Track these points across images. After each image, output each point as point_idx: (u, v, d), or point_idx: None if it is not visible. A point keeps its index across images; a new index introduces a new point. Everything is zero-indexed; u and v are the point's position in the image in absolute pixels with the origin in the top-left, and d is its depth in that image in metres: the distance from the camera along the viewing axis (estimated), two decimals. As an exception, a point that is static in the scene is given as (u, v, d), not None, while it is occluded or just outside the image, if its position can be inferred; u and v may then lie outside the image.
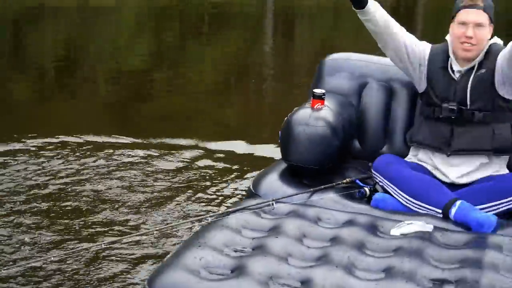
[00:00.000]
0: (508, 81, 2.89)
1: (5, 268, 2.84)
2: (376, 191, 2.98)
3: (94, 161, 4.69)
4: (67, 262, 3.09)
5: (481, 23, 2.87)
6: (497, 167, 3.00)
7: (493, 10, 2.92)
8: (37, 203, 3.88)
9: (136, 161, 4.68)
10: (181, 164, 4.62)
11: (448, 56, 3.01)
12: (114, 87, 7.28)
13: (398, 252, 2.39)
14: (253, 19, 12.91)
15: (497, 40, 3.02)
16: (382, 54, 3.37)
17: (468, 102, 2.93)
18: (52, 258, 2.79)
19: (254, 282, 2.12)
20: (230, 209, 2.76)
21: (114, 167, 4.60)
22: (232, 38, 10.70)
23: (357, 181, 3.02)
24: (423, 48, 3.08)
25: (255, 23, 12.50)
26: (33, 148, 4.91)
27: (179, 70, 8.06)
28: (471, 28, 2.86)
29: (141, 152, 4.87)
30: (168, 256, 2.39)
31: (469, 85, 2.93)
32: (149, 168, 4.50)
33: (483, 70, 2.91)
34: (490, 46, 2.96)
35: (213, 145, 5.16)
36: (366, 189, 2.96)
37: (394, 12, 13.77)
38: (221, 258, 2.28)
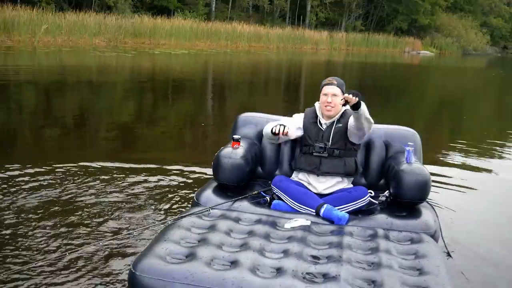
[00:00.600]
0: (352, 135, 3.40)
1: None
2: (274, 199, 3.32)
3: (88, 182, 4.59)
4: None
5: (336, 94, 3.42)
6: (346, 184, 3.46)
7: (344, 86, 3.49)
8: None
9: (118, 183, 4.61)
10: (151, 184, 4.63)
11: (317, 115, 3.51)
12: (110, 133, 7.27)
13: (290, 239, 2.68)
14: (198, 88, 13.35)
15: (349, 107, 3.47)
16: (277, 113, 3.89)
17: (330, 143, 3.41)
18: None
19: (202, 263, 2.32)
20: (182, 214, 2.94)
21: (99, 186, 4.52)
22: (187, 101, 10.98)
23: (262, 192, 3.38)
24: (300, 117, 3.58)
25: (200, 91, 12.92)
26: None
27: (154, 122, 8.22)
28: (330, 97, 3.42)
29: (122, 177, 4.82)
30: (145, 247, 2.52)
31: (331, 133, 3.41)
32: (126, 190, 4.45)
33: (340, 125, 3.43)
34: (345, 110, 3.48)
35: (170, 168, 5.21)
36: (268, 198, 3.32)
37: (287, 87, 14.31)
38: (179, 248, 2.47)
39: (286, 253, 2.52)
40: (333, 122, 3.47)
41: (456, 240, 3.71)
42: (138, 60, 20.01)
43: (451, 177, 5.69)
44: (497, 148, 7.72)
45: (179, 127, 8.03)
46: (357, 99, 3.03)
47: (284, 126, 3.30)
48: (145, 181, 4.76)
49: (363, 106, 3.15)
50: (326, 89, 3.45)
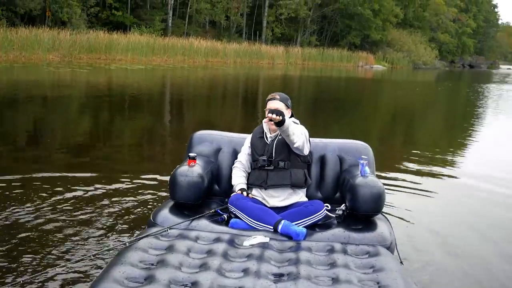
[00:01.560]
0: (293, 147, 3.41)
1: None
2: (231, 217, 3.27)
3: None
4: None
5: (278, 108, 3.39)
6: (299, 196, 3.47)
7: (288, 100, 3.55)
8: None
9: (71, 203, 4.45)
10: (106, 204, 4.47)
11: (263, 131, 3.54)
12: (62, 150, 7.05)
13: (249, 257, 2.65)
14: (155, 104, 13.27)
15: (295, 120, 3.58)
16: (232, 131, 3.90)
17: (274, 156, 3.43)
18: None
19: (161, 286, 2.25)
20: (140, 236, 2.85)
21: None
22: (143, 116, 10.86)
23: (218, 210, 3.31)
24: (249, 138, 3.64)
25: (157, 106, 12.83)
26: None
27: (109, 139, 8.09)
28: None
29: (75, 196, 4.65)
30: (102, 271, 2.43)
31: (274, 146, 3.44)
32: (79, 210, 4.28)
33: (282, 137, 3.40)
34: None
35: (125, 186, 5.09)
36: (225, 216, 3.26)
37: (244, 101, 14.30)
38: (137, 271, 2.39)
39: (246, 272, 2.48)
40: (277, 134, 3.49)
41: (408, 248, 3.77)
42: (94, 76, 19.69)
43: (404, 185, 5.83)
44: (447, 156, 7.96)
45: (134, 144, 7.84)
46: (280, 117, 3.08)
47: (244, 190, 3.44)
48: (100, 200, 4.60)
49: (288, 123, 3.19)
50: (269, 104, 3.49)
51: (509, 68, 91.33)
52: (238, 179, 3.56)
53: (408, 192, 5.61)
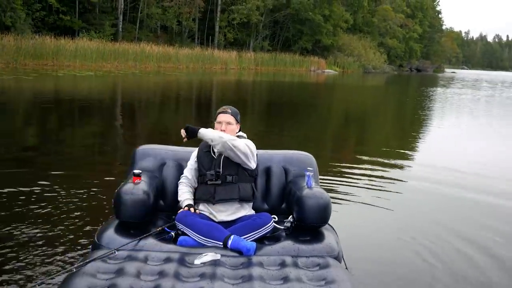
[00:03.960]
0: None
1: None
2: (179, 234, 3.20)
3: None
4: None
5: (230, 122, 3.48)
6: (247, 210, 3.46)
7: (238, 115, 3.57)
8: None
9: (8, 223, 4.20)
10: (47, 226, 4.24)
11: (210, 145, 3.47)
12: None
13: (202, 276, 2.61)
14: (106, 111, 12.97)
15: (242, 134, 3.60)
16: (176, 144, 3.84)
17: (221, 170, 3.40)
18: None
19: None
20: (86, 260, 2.74)
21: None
22: (91, 125, 10.58)
23: (166, 228, 3.23)
24: (195, 152, 3.61)
25: (107, 114, 12.57)
26: None
27: (52, 150, 7.78)
28: (224, 125, 3.47)
29: (11, 215, 4.44)
30: None
31: (221, 160, 3.41)
32: (19, 233, 4.04)
33: None
34: (238, 136, 3.53)
35: (67, 203, 4.90)
36: (173, 233, 3.18)
37: (197, 107, 14.19)
38: None
39: (199, 292, 2.44)
40: None
41: (354, 257, 3.81)
42: (40, 83, 19.08)
43: (349, 193, 5.91)
44: (397, 161, 8.13)
45: (79, 157, 7.49)
46: (184, 133, 3.33)
47: (192, 207, 3.39)
48: (40, 221, 4.36)
49: (203, 132, 3.38)
50: (220, 117, 3.51)
51: (453, 72, 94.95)
52: (185, 195, 3.50)
53: (353, 201, 5.67)
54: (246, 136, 3.59)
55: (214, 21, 45.69)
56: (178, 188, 3.57)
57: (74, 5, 35.49)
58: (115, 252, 2.83)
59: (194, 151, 3.64)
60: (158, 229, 3.18)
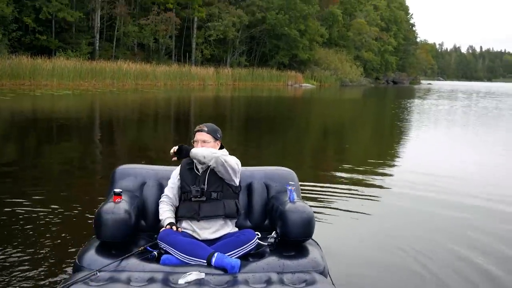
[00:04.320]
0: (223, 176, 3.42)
1: None
2: (162, 253, 3.15)
3: None
4: None
5: (205, 140, 3.44)
6: (230, 227, 3.43)
7: (217, 132, 3.53)
8: None
9: None
10: (23, 247, 4.15)
11: (193, 161, 3.45)
12: None
13: (187, 296, 2.57)
14: (84, 131, 12.85)
15: (225, 151, 3.56)
16: (156, 164, 3.81)
17: (206, 187, 3.38)
18: None
19: None
20: (67, 282, 2.69)
21: None
22: (69, 145, 10.46)
23: (148, 248, 3.17)
24: (177, 170, 3.57)
25: (85, 133, 12.43)
26: None
27: (29, 171, 7.62)
28: (200, 143, 3.45)
29: None
30: None
31: (206, 176, 3.39)
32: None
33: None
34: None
35: (45, 222, 4.84)
36: (155, 252, 3.13)
37: (176, 124, 14.13)
38: None
39: (186, 313, 2.41)
40: (208, 165, 3.42)
41: (339, 271, 3.78)
42: (17, 103, 18.84)
43: (330, 206, 5.93)
44: (378, 172, 8.18)
45: (57, 177, 7.38)
46: (174, 150, 3.34)
47: (173, 225, 3.35)
48: (20, 242, 4.27)
49: (195, 151, 3.35)
50: (196, 136, 3.49)
51: (429, 83, 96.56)
52: (166, 213, 3.45)
53: (334, 213, 5.67)
54: (227, 153, 3.57)
55: (191, 38, 45.81)
56: (159, 207, 3.52)
57: (50, 25, 35.29)
58: (97, 273, 2.77)
59: (175, 170, 3.60)
60: (140, 249, 3.12)
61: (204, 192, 3.36)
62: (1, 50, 28.53)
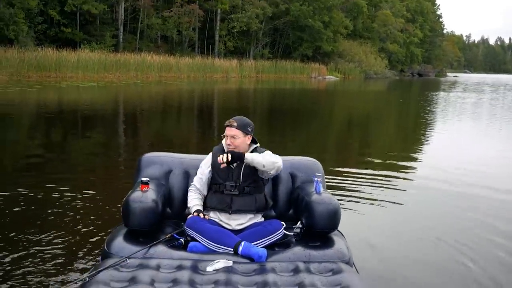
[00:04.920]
0: (262, 175, 3.43)
1: None
2: (188, 240, 3.20)
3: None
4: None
5: (234, 135, 3.42)
6: (258, 218, 3.47)
7: (247, 126, 3.48)
8: None
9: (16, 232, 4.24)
10: (55, 233, 4.25)
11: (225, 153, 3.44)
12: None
13: (217, 283, 2.62)
14: (110, 122, 13.05)
15: (257, 146, 3.55)
16: (187, 149, 3.81)
17: (241, 181, 3.40)
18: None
19: None
20: (98, 269, 2.73)
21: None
22: (96, 135, 10.70)
23: (175, 235, 3.22)
24: (208, 160, 3.54)
25: (111, 124, 12.62)
26: None
27: (59, 160, 7.84)
28: (229, 139, 3.42)
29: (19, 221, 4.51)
30: None
31: (242, 172, 3.41)
32: (27, 242, 4.05)
33: None
34: (255, 148, 3.50)
35: (75, 210, 4.97)
36: (182, 240, 3.18)
37: (200, 116, 14.27)
38: None
39: (216, 298, 2.44)
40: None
41: (364, 262, 3.79)
42: (44, 94, 19.18)
43: (354, 197, 5.93)
44: (401, 164, 8.14)
45: (86, 165, 7.58)
46: (225, 162, 3.24)
47: (201, 212, 3.36)
48: (49, 229, 4.38)
49: (250, 158, 3.31)
50: (226, 131, 3.46)
51: (456, 76, 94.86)
52: (194, 201, 3.48)
53: (358, 204, 5.68)
54: (258, 144, 3.56)
55: (214, 30, 45.87)
56: (188, 195, 3.55)
57: (75, 17, 35.72)
58: (126, 260, 2.83)
59: (204, 160, 3.60)
60: (167, 236, 3.17)
61: (237, 186, 3.40)
62: (27, 42, 29.02)
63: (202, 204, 3.50)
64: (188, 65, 37.09)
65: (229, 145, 3.42)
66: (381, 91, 36.34)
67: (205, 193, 3.54)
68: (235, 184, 3.40)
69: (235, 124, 3.45)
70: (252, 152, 3.49)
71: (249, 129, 3.49)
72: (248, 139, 3.49)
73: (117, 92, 22.67)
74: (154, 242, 3.07)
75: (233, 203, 3.39)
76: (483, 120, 17.18)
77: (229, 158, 3.27)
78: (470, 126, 15.24)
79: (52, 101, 17.21)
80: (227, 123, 3.48)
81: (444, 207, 5.77)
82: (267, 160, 3.36)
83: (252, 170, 3.42)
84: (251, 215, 3.43)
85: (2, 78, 23.80)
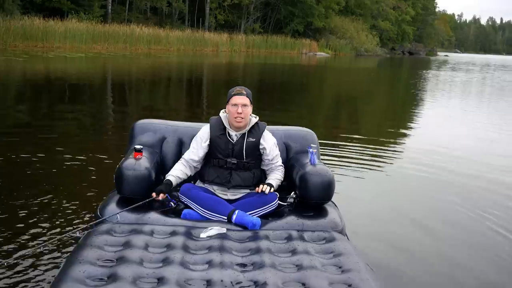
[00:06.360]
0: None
1: None
2: (178, 204, 3.22)
3: None
4: None
5: (245, 104, 3.34)
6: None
7: (251, 95, 3.42)
8: None
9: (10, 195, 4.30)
10: (46, 198, 4.31)
11: (224, 127, 3.41)
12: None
13: (211, 249, 2.62)
14: (99, 92, 12.95)
15: (255, 117, 3.50)
16: (179, 116, 3.77)
17: (244, 157, 3.38)
18: None
19: (127, 283, 2.18)
20: (91, 229, 2.76)
21: None
22: (85, 105, 10.56)
23: (168, 196, 3.24)
24: (204, 133, 3.45)
25: (100, 94, 12.53)
26: None
27: (49, 128, 7.72)
28: (240, 107, 3.32)
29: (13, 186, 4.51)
30: (59, 270, 2.30)
31: (244, 147, 3.37)
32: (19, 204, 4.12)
33: (252, 139, 3.41)
34: (256, 123, 3.47)
35: (66, 176, 5.02)
36: (172, 203, 3.21)
37: (189, 89, 14.20)
38: (98, 269, 2.29)
39: (210, 263, 2.45)
40: (244, 134, 3.42)
41: (355, 232, 3.86)
42: (31, 64, 18.88)
43: (344, 168, 6.05)
44: (390, 140, 8.24)
45: (75, 134, 7.53)
46: (271, 189, 3.27)
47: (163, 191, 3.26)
48: (39, 190, 4.46)
49: (275, 184, 3.40)
50: (235, 99, 3.34)
51: (446, 55, 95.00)
52: (173, 171, 3.40)
53: (348, 175, 5.78)
54: (258, 118, 3.52)
55: (205, 3, 45.23)
56: (175, 165, 3.47)
57: (62, -14, 34.96)
58: (117, 217, 2.89)
59: (200, 132, 3.50)
60: (158, 197, 3.18)
61: (238, 163, 3.38)
62: (13, 10, 28.38)
63: (182, 179, 3.42)
64: (178, 38, 36.65)
65: (240, 113, 3.32)
66: (371, 68, 36.31)
67: (196, 166, 3.48)
68: (236, 161, 3.38)
69: (245, 92, 3.38)
70: (252, 127, 3.46)
71: (251, 99, 3.45)
72: (251, 108, 3.43)
73: (106, 63, 22.40)
74: (147, 200, 3.09)
75: (232, 178, 3.38)
76: (473, 99, 17.28)
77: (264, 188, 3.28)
78: (459, 104, 15.33)
79: (40, 71, 16.98)
80: (235, 91, 3.38)
81: (427, 182, 5.86)
82: (281, 177, 3.50)
83: (254, 147, 3.41)
84: (248, 190, 3.42)
85: (-14, 47, 23.42)
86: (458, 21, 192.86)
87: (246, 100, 3.35)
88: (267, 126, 3.57)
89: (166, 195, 3.22)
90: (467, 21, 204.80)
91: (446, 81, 24.67)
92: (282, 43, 46.77)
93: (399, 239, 4.03)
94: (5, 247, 3.32)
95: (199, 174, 3.51)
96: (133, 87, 14.83)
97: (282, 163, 3.62)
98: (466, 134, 9.34)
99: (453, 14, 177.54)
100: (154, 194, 3.19)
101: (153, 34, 34.58)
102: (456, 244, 4.02)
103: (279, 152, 3.57)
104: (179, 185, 3.40)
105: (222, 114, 3.47)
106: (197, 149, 3.44)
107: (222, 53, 37.92)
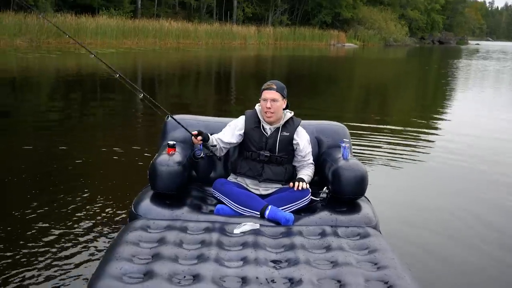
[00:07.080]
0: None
1: None
2: (207, 155, 3.33)
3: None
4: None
5: (275, 99, 3.32)
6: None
7: (283, 90, 3.39)
8: None
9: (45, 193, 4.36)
10: (81, 195, 4.33)
11: (259, 120, 3.40)
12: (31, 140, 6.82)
13: (245, 245, 2.59)
14: (135, 84, 13.12)
15: (290, 112, 3.48)
16: (209, 111, 3.76)
17: (277, 151, 3.36)
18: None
19: (163, 280, 2.17)
20: (128, 229, 2.73)
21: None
22: (118, 100, 10.63)
23: (196, 150, 3.28)
24: (239, 122, 3.46)
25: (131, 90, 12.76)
26: None
27: (83, 124, 7.94)
28: (269, 102, 3.31)
29: (46, 186, 4.56)
30: (96, 268, 2.30)
31: (277, 141, 3.36)
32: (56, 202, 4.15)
33: (286, 133, 3.39)
34: (291, 118, 3.44)
35: (101, 171, 5.09)
36: (200, 151, 3.27)
37: (218, 82, 14.26)
38: (134, 266, 2.28)
39: (245, 260, 2.43)
40: (278, 128, 3.40)
41: (389, 227, 3.77)
42: (64, 60, 19.21)
43: (377, 161, 5.97)
44: (420, 131, 8.10)
45: (110, 129, 7.64)
46: (306, 185, 3.25)
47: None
48: (74, 186, 4.50)
49: (307, 179, 3.36)
50: (265, 94, 3.34)
51: (477, 44, 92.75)
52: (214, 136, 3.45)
53: (382, 170, 5.68)
54: (293, 113, 3.50)
55: (232, -4, 45.25)
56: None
57: (93, -17, 35.41)
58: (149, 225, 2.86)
59: (235, 121, 3.52)
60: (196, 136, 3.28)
61: (271, 156, 3.36)
62: (46, 8, 28.92)
63: (216, 144, 3.44)
64: (206, 31, 36.73)
65: (269, 108, 3.31)
66: (401, 58, 35.75)
67: (222, 147, 3.48)
68: (269, 154, 3.36)
69: (275, 87, 3.35)
70: (287, 121, 3.44)
71: (285, 93, 3.42)
72: (284, 103, 3.41)
73: (136, 58, 22.61)
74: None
75: (264, 172, 3.37)
76: (504, 88, 16.85)
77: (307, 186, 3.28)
78: (492, 94, 14.96)
79: (72, 67, 17.25)
80: (266, 86, 3.38)
81: (463, 176, 5.71)
82: (311, 174, 3.46)
83: (288, 142, 3.39)
84: (279, 185, 3.40)
85: (22, 44, 23.85)
86: (490, 9, 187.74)
87: (276, 95, 3.33)
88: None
89: (200, 145, 3.27)
90: (499, 8, 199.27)
91: (479, 70, 24.10)
92: (310, 35, 46.39)
93: (442, 233, 3.93)
94: (41, 243, 3.37)
95: (232, 166, 3.52)
96: (163, 81, 14.93)
97: (314, 157, 3.58)
98: (502, 124, 9.11)
99: (484, 2, 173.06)
100: (195, 132, 3.27)
101: (182, 28, 34.74)
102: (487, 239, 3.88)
103: (312, 149, 3.53)
104: (207, 180, 3.42)
105: (257, 107, 3.47)
106: (228, 133, 3.46)
107: (250, 46, 37.85)
